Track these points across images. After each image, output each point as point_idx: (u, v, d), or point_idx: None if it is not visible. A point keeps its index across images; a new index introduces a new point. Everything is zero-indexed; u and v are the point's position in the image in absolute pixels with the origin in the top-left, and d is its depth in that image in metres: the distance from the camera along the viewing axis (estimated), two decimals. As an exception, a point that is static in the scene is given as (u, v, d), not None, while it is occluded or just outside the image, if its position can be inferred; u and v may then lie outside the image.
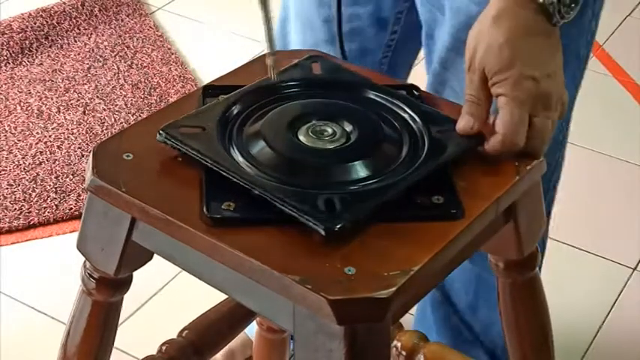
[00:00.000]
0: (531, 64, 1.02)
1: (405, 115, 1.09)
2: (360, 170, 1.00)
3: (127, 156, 1.03)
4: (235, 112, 1.07)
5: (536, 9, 1.03)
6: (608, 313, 2.03)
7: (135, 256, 1.06)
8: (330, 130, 1.04)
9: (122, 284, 1.11)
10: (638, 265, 2.15)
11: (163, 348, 1.24)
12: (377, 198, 0.96)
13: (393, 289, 0.89)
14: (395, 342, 1.25)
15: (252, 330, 1.74)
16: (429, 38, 1.41)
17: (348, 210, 0.94)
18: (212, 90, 1.13)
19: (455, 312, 1.60)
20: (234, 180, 0.97)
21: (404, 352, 1.25)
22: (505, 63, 1.01)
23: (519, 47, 1.02)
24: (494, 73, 1.02)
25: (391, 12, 1.46)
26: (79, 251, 1.09)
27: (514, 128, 1.02)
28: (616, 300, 2.06)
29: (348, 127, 1.05)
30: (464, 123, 1.05)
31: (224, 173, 0.98)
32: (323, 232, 0.92)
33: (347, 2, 1.40)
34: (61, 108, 2.50)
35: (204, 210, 0.95)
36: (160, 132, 1.02)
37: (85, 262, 1.10)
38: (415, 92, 1.14)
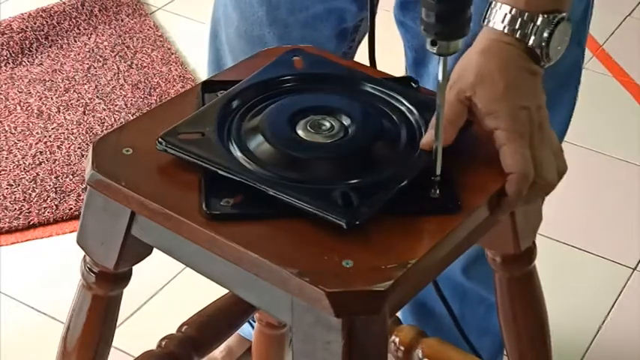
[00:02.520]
0: (523, 95, 1.00)
1: (403, 108, 1.08)
2: (360, 163, 1.00)
3: (127, 151, 1.03)
4: (233, 109, 1.07)
5: (524, 49, 1.01)
6: (608, 313, 2.03)
7: (134, 251, 1.06)
8: (328, 124, 1.04)
9: (122, 278, 1.11)
10: (638, 265, 2.15)
11: (163, 343, 1.24)
12: (387, 191, 0.96)
13: (390, 282, 0.89)
14: (393, 337, 1.26)
15: (245, 331, 1.75)
16: (418, 64, 1.38)
17: (363, 203, 0.95)
18: (211, 86, 1.13)
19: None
20: (243, 182, 0.97)
21: (402, 347, 1.25)
22: (500, 93, 0.99)
23: (511, 78, 1.00)
24: (487, 101, 0.99)
25: (352, 22, 1.43)
26: (79, 245, 1.10)
27: (524, 164, 0.99)
28: (616, 300, 2.06)
29: (346, 121, 1.05)
30: (428, 136, 1.01)
31: (230, 176, 0.98)
32: (345, 227, 0.92)
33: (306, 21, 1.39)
34: (61, 108, 2.51)
35: (204, 207, 0.96)
36: (160, 141, 1.01)
37: (84, 256, 1.11)
38: (413, 85, 1.14)
